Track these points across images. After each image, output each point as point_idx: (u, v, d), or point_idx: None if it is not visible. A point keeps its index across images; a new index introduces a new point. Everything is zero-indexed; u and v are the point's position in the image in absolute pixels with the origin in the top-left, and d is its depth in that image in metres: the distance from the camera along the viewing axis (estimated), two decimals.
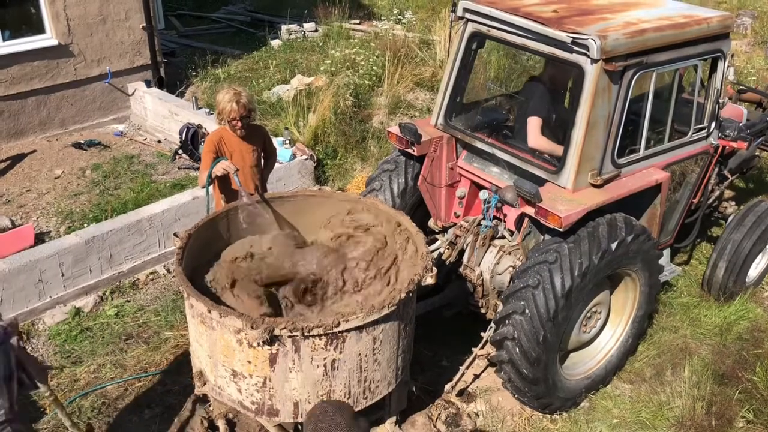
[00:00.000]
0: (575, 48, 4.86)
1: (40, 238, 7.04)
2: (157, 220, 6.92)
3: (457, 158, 5.98)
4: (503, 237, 5.69)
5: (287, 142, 8.40)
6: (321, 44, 12.02)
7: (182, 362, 5.72)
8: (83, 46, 9.28)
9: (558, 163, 5.19)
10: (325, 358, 4.06)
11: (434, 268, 4.47)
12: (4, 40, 8.71)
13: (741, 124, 6.19)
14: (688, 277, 6.98)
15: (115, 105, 9.95)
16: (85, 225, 7.23)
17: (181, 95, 10.33)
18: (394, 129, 5.90)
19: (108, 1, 9.32)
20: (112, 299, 6.54)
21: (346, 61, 10.53)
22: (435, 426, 5.28)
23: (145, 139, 9.61)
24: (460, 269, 5.69)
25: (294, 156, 8.28)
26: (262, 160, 5.79)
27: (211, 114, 8.74)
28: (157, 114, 9.70)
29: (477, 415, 5.43)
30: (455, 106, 5.91)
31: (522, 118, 5.70)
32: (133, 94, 10.00)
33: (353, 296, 4.79)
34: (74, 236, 6.58)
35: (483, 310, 5.67)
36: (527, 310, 4.87)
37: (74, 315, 6.26)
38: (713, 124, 5.89)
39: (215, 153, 5.39)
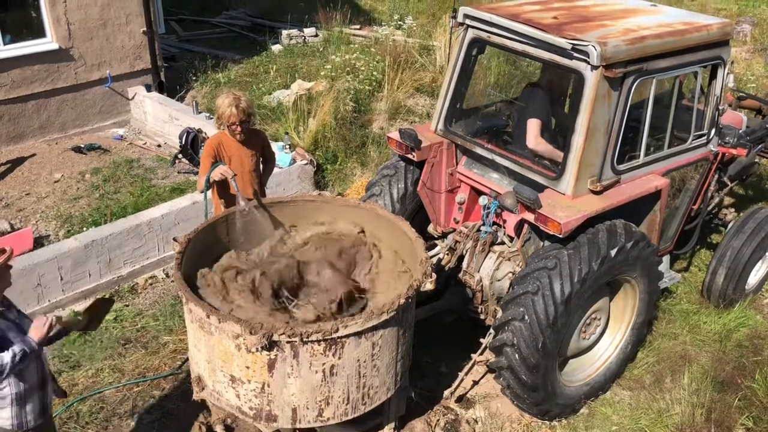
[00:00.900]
0: (575, 54, 4.87)
1: (39, 242, 7.04)
2: (156, 225, 6.91)
3: (457, 164, 5.97)
4: (503, 243, 5.68)
5: (287, 146, 8.40)
6: (321, 49, 12.04)
7: (181, 367, 5.71)
8: (84, 50, 9.29)
9: (557, 168, 5.19)
10: (323, 364, 4.05)
11: (433, 273, 4.46)
12: (5, 44, 8.73)
13: (741, 131, 6.20)
14: (688, 283, 6.98)
15: (116, 109, 9.96)
16: (85, 229, 7.23)
17: (182, 100, 10.33)
18: (394, 134, 5.90)
19: (109, 6, 9.34)
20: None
21: (346, 67, 10.54)
22: None
23: (145, 144, 9.61)
24: (460, 275, 5.68)
25: (294, 161, 8.29)
26: (261, 165, 5.79)
27: (211, 118, 8.73)
28: (157, 118, 9.70)
29: (476, 421, 5.41)
30: (455, 111, 5.92)
31: (522, 124, 5.70)
32: (133, 98, 10.01)
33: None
34: (73, 240, 6.58)
35: (482, 316, 5.66)
36: (526, 317, 4.86)
37: None
38: (713, 131, 5.89)
39: (214, 157, 5.39)
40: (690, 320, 6.47)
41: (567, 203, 5.01)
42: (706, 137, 5.88)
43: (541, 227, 4.95)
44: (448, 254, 5.80)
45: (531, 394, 5.11)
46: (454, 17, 5.67)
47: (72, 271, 6.41)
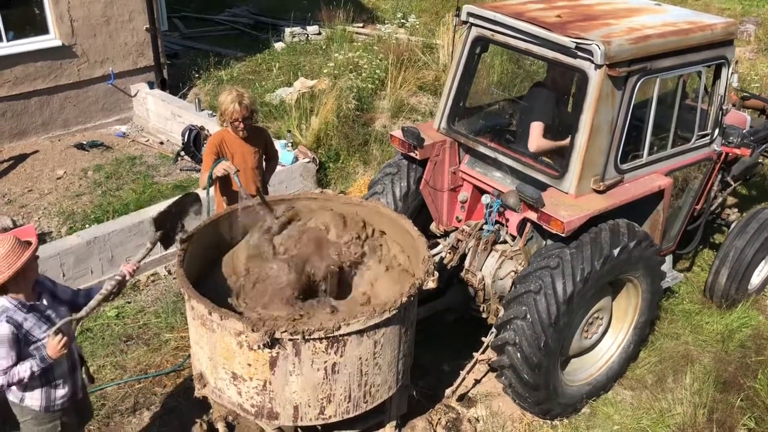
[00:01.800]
0: (579, 53, 4.86)
1: (41, 239, 7.04)
2: None
3: (460, 162, 5.97)
4: (505, 242, 5.68)
5: (289, 144, 8.40)
6: (324, 47, 12.03)
7: (182, 364, 5.72)
8: (87, 47, 9.29)
9: (561, 165, 5.18)
10: (325, 362, 4.05)
11: (435, 272, 4.46)
12: (8, 40, 8.74)
13: (744, 131, 6.19)
14: (690, 283, 6.97)
15: (118, 106, 9.96)
16: (87, 226, 7.23)
17: (184, 97, 10.33)
18: (397, 133, 5.89)
19: (112, 3, 9.34)
20: (112, 300, 6.52)
21: (349, 64, 10.54)
22: (435, 430, 5.26)
23: (148, 141, 9.61)
24: (462, 274, 5.68)
25: (296, 159, 8.28)
26: (264, 163, 5.79)
27: (214, 116, 8.74)
28: (160, 115, 9.70)
29: (477, 420, 5.41)
30: (458, 110, 5.91)
31: (525, 123, 5.69)
32: (135, 95, 10.01)
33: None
34: (76, 237, 6.58)
35: (484, 315, 5.65)
36: (529, 316, 4.85)
37: None
38: (717, 131, 5.88)
39: (217, 154, 5.39)
40: (692, 320, 6.46)
41: (570, 202, 5.00)
42: (709, 137, 5.87)
43: (543, 226, 4.94)
44: (450, 253, 5.80)
45: (533, 393, 5.10)
46: (458, 15, 5.67)
47: (74, 267, 6.41)
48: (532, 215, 5.00)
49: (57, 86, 9.20)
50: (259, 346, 3.89)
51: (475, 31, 5.60)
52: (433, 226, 6.16)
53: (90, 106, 9.65)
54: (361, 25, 13.22)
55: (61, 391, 3.96)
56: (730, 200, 7.10)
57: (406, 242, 4.95)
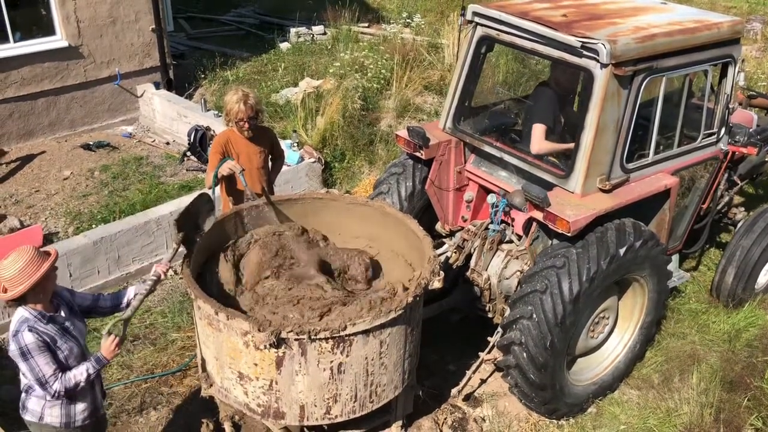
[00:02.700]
0: (585, 52, 4.85)
1: (48, 239, 7.07)
2: (165, 222, 6.93)
3: (465, 162, 5.96)
4: (511, 241, 5.67)
5: (295, 144, 8.41)
6: (330, 47, 12.04)
7: (189, 364, 5.73)
8: (93, 47, 9.32)
9: (566, 165, 5.17)
10: (331, 362, 4.06)
11: (441, 272, 4.45)
12: (15, 41, 8.78)
13: (751, 130, 6.17)
14: (697, 283, 6.94)
15: (124, 106, 9.99)
16: (94, 226, 7.26)
17: (190, 97, 10.36)
18: (402, 132, 5.89)
19: (118, 4, 9.37)
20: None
21: (354, 64, 10.54)
22: (441, 430, 5.26)
23: (154, 141, 9.64)
24: (467, 273, 5.67)
25: (302, 159, 8.30)
26: (270, 162, 5.79)
27: (220, 116, 8.76)
28: (166, 116, 9.73)
29: (483, 419, 5.41)
30: (464, 109, 5.90)
31: (529, 123, 5.68)
32: (142, 95, 10.04)
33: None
34: (82, 237, 6.61)
35: (490, 315, 5.65)
36: (535, 315, 4.85)
37: None
38: (723, 130, 5.86)
39: (222, 154, 5.40)
40: (699, 320, 6.44)
41: (576, 202, 4.99)
42: (716, 136, 5.85)
43: (549, 226, 4.94)
44: (455, 252, 5.79)
45: (539, 393, 5.10)
46: (463, 15, 5.66)
47: (81, 267, 6.44)
48: (538, 215, 5.00)
49: (64, 87, 9.24)
50: (265, 346, 3.90)
51: (480, 31, 5.59)
52: (438, 226, 6.16)
53: (96, 107, 9.69)
54: (366, 24, 13.22)
55: (80, 406, 3.92)
56: (737, 199, 7.08)
57: (412, 242, 4.94)
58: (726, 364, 5.87)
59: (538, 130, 5.47)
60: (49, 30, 9.04)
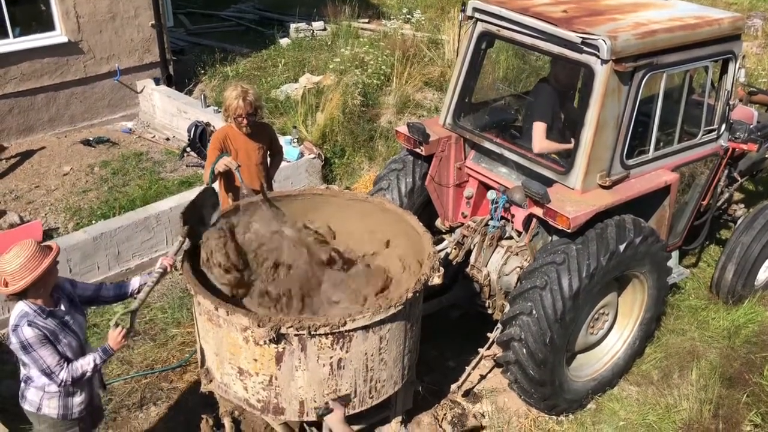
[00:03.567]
0: (585, 48, 4.84)
1: (48, 235, 7.08)
2: (164, 218, 6.93)
3: (465, 158, 5.96)
4: (511, 237, 5.67)
5: (295, 140, 8.40)
6: (330, 43, 12.02)
7: (188, 359, 5.74)
8: (93, 43, 9.31)
9: (567, 161, 5.17)
10: (331, 357, 4.06)
11: (441, 268, 4.45)
12: (15, 37, 8.76)
13: (751, 126, 6.16)
14: (697, 279, 6.95)
15: (124, 102, 9.98)
16: (93, 222, 7.26)
17: (190, 93, 10.35)
18: (402, 128, 5.89)
19: None
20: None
21: (354, 60, 10.53)
22: (441, 426, 5.27)
23: (154, 137, 9.64)
24: (467, 269, 5.68)
25: (302, 155, 8.29)
26: (268, 158, 5.79)
27: (220, 112, 8.72)
28: (166, 111, 9.72)
29: (483, 415, 5.41)
30: (464, 105, 5.90)
31: (529, 120, 5.68)
32: (141, 91, 10.04)
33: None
34: (82, 233, 6.61)
35: (490, 311, 5.65)
36: (534, 311, 4.85)
37: None
38: (723, 126, 5.86)
39: (221, 150, 5.40)
40: (698, 316, 6.44)
41: (576, 198, 4.99)
42: (716, 132, 5.85)
43: (549, 222, 4.94)
44: (455, 249, 5.80)
45: (538, 389, 5.10)
46: (464, 11, 5.65)
47: (81, 263, 6.44)
48: (538, 211, 5.00)
49: (63, 82, 9.23)
50: (265, 342, 3.90)
51: (480, 27, 5.58)
52: (438, 222, 6.16)
53: (96, 103, 9.68)
54: (366, 20, 13.20)
55: (78, 399, 3.97)
56: (737, 196, 7.07)
57: (412, 238, 4.94)
58: (725, 360, 5.88)
59: (539, 128, 5.46)
60: (48, 25, 9.02)
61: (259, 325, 3.86)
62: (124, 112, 10.03)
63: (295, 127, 8.77)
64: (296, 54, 11.53)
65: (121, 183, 8.33)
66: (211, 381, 4.48)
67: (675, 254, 6.33)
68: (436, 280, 4.40)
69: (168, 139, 9.59)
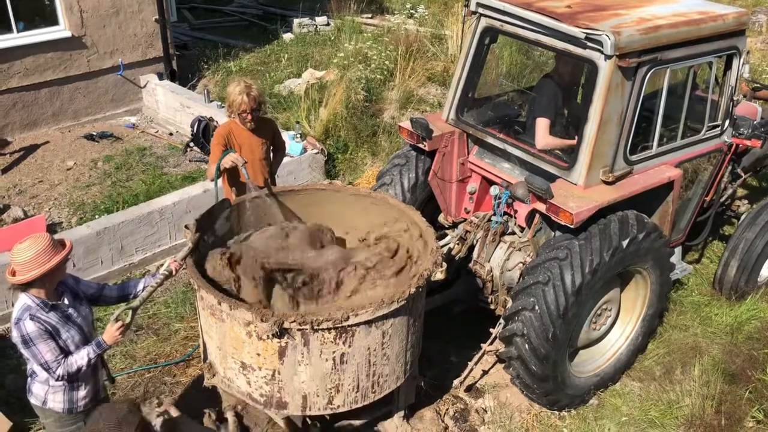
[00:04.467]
0: (589, 44, 4.83)
1: (51, 229, 7.09)
2: (168, 212, 6.94)
3: (468, 153, 5.96)
4: (513, 233, 5.67)
5: (298, 135, 8.40)
6: (333, 38, 12.01)
7: (192, 354, 5.75)
8: (96, 38, 9.31)
9: (570, 157, 5.17)
10: (334, 352, 4.07)
11: (444, 263, 4.46)
12: (19, 31, 8.77)
13: (755, 122, 6.14)
14: (700, 275, 6.94)
15: (128, 97, 9.99)
16: (97, 216, 7.28)
17: (193, 88, 10.35)
18: (406, 124, 5.89)
19: None
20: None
21: (358, 55, 10.52)
22: (443, 421, 5.28)
23: (157, 132, 9.64)
24: (470, 265, 5.68)
25: (305, 150, 8.29)
26: (272, 154, 5.79)
27: (223, 107, 8.75)
28: (169, 106, 9.73)
29: (485, 410, 5.42)
30: (467, 101, 5.89)
31: (533, 116, 5.67)
32: (145, 86, 10.04)
33: (347, 300, 4.73)
34: (86, 227, 6.62)
35: (492, 306, 5.66)
36: (537, 307, 4.85)
37: None
38: (727, 122, 5.84)
39: (224, 146, 5.40)
40: (701, 312, 6.44)
41: (579, 194, 4.99)
42: (720, 128, 5.83)
43: (552, 217, 4.94)
44: (458, 244, 5.80)
45: (541, 385, 5.11)
46: (467, 6, 5.64)
47: (84, 258, 6.45)
48: (541, 206, 4.99)
49: (67, 77, 9.24)
50: (268, 336, 3.91)
51: (484, 22, 5.57)
52: (441, 217, 6.16)
53: (100, 97, 9.69)
54: (369, 15, 13.18)
55: (83, 392, 3.99)
56: (740, 192, 7.07)
57: (414, 233, 4.94)
58: (728, 356, 5.88)
59: (542, 124, 5.45)
60: (52, 20, 9.02)
61: (262, 320, 3.87)
62: (128, 107, 10.04)
63: (298, 123, 8.77)
64: (299, 49, 11.52)
65: (124, 178, 8.34)
66: (214, 375, 4.49)
67: (678, 250, 6.32)
68: (439, 275, 4.40)
69: (171, 134, 9.60)
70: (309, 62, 10.86)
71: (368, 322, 4.05)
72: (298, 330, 3.93)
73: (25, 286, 3.66)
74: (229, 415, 4.84)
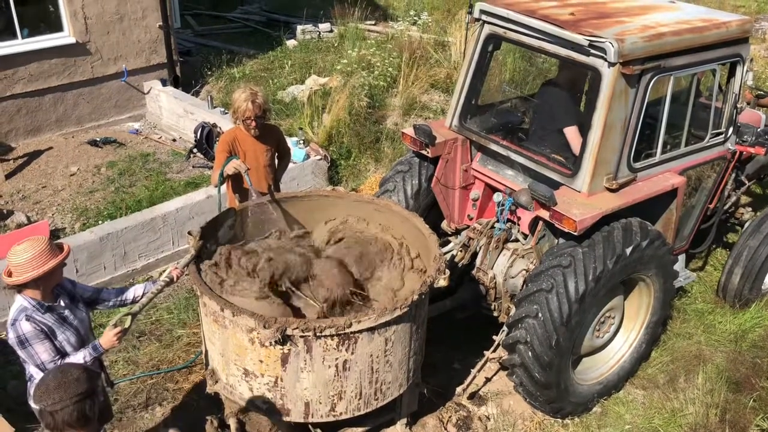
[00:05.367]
0: (592, 51, 4.83)
1: (55, 235, 7.10)
2: (171, 218, 6.95)
3: (472, 160, 5.96)
4: (517, 240, 5.66)
5: (301, 142, 8.41)
6: (336, 45, 12.04)
7: (194, 360, 5.74)
8: (100, 44, 9.34)
9: (573, 164, 5.16)
10: (336, 359, 4.06)
11: (447, 270, 4.45)
12: (23, 37, 8.80)
13: (759, 130, 6.14)
14: (703, 283, 6.92)
15: (131, 103, 10.01)
16: (100, 222, 7.28)
17: (197, 94, 10.37)
18: (409, 130, 5.89)
19: (125, 0, 9.38)
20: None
21: (361, 62, 10.54)
22: (446, 428, 5.27)
23: (160, 138, 9.66)
24: (473, 272, 5.67)
25: (308, 156, 8.30)
26: (276, 161, 5.80)
27: (226, 113, 8.77)
28: (173, 112, 9.75)
29: (488, 418, 5.40)
30: (470, 108, 5.89)
31: (538, 122, 5.67)
32: (148, 92, 10.06)
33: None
34: (89, 233, 6.62)
35: (495, 314, 5.65)
36: (540, 314, 4.84)
37: None
38: (731, 129, 5.84)
39: (229, 152, 5.41)
40: (705, 320, 6.42)
41: (582, 201, 4.98)
42: (723, 135, 5.83)
43: (555, 225, 4.93)
44: (461, 251, 5.79)
45: (544, 392, 5.09)
46: (470, 13, 5.65)
47: (87, 263, 6.46)
48: (545, 213, 4.99)
49: (71, 83, 9.26)
50: (270, 343, 3.91)
51: (487, 29, 5.58)
52: (444, 224, 6.16)
53: (103, 103, 9.71)
54: (373, 22, 13.21)
55: None
56: (744, 199, 7.06)
57: (418, 240, 4.94)
58: (732, 364, 5.86)
59: (572, 133, 5.41)
60: (56, 26, 9.06)
61: (264, 327, 3.87)
62: (131, 113, 10.05)
63: (301, 129, 8.78)
64: (303, 56, 11.55)
65: (127, 184, 8.35)
66: (216, 382, 4.48)
67: (681, 258, 6.30)
68: (442, 282, 4.41)
69: (174, 140, 9.61)
70: (312, 69, 10.88)
71: (371, 329, 4.05)
72: (301, 337, 3.93)
73: (19, 287, 3.68)
74: (232, 422, 4.84)
